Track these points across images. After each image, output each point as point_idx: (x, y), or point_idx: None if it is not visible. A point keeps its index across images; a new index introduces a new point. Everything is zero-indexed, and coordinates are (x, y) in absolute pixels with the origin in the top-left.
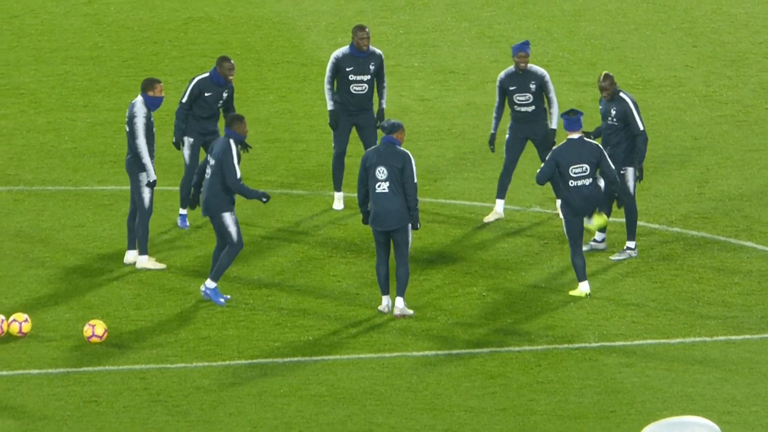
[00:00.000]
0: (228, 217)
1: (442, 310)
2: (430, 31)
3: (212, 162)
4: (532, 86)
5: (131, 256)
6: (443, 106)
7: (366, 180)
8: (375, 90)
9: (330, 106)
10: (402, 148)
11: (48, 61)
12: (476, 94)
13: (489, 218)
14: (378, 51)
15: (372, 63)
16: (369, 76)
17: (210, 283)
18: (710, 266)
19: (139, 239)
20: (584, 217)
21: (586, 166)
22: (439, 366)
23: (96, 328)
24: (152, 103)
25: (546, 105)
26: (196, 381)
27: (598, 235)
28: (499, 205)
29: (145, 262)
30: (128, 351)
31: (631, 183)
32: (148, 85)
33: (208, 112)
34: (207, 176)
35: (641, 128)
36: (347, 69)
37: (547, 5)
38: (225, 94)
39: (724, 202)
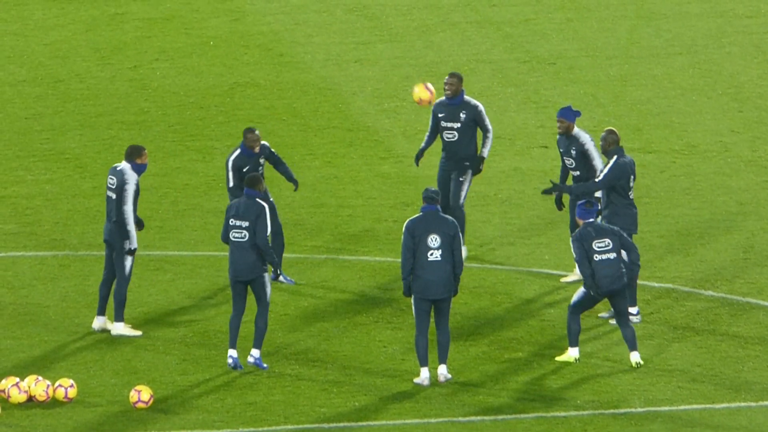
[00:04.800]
0: (267, 277)
1: (488, 376)
2: (476, 97)
3: (245, 224)
4: (573, 151)
5: (100, 322)
6: (489, 171)
7: (414, 249)
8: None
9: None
10: (448, 216)
11: (93, 126)
12: (522, 160)
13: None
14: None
15: (463, 111)
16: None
17: (256, 352)
18: (756, 331)
19: (116, 306)
20: (606, 297)
21: (608, 240)
22: (485, 431)
23: (142, 394)
24: (139, 170)
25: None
26: None
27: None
28: None
29: (121, 329)
30: (174, 416)
31: None
32: (135, 152)
33: None
34: (238, 241)
35: (598, 182)
36: (439, 115)
37: (593, 70)
38: (261, 160)
39: None
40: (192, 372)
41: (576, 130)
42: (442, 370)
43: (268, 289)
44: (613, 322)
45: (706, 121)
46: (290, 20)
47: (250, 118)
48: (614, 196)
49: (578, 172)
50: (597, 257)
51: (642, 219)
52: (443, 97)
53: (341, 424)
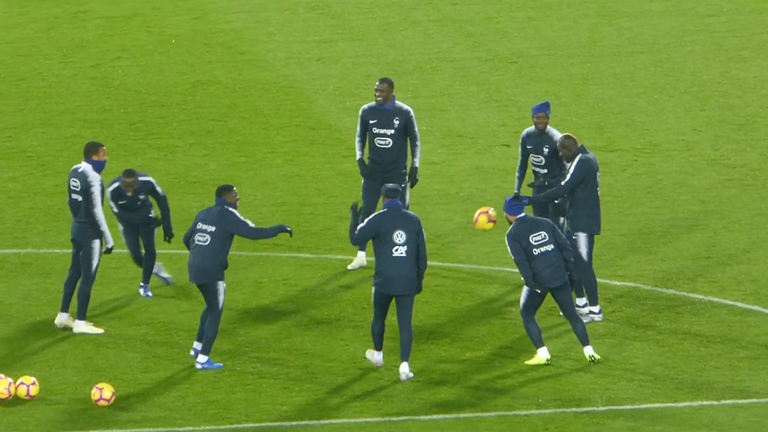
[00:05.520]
0: (221, 285)
1: (450, 374)
2: (438, 95)
3: (211, 229)
4: (546, 149)
5: (63, 318)
6: (451, 169)
7: (367, 237)
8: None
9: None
10: (413, 213)
11: (55, 124)
12: (484, 158)
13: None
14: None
15: (396, 118)
16: (393, 131)
17: (202, 358)
18: (717, 330)
19: (79, 304)
20: (549, 290)
21: (544, 233)
22: (446, 430)
23: (104, 392)
24: (99, 168)
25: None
26: None
27: (580, 301)
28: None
29: (82, 326)
30: (135, 414)
31: (584, 249)
32: (92, 149)
33: (133, 209)
34: (200, 245)
35: (565, 184)
36: (370, 122)
37: (554, 69)
38: (142, 196)
39: (731, 266)
40: (154, 370)
41: (548, 128)
42: (404, 369)
43: (221, 298)
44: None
45: (668, 119)
46: (251, 18)
47: (212, 116)
48: (579, 195)
49: (546, 170)
50: (536, 251)
51: (604, 218)
52: (373, 103)
53: (303, 422)
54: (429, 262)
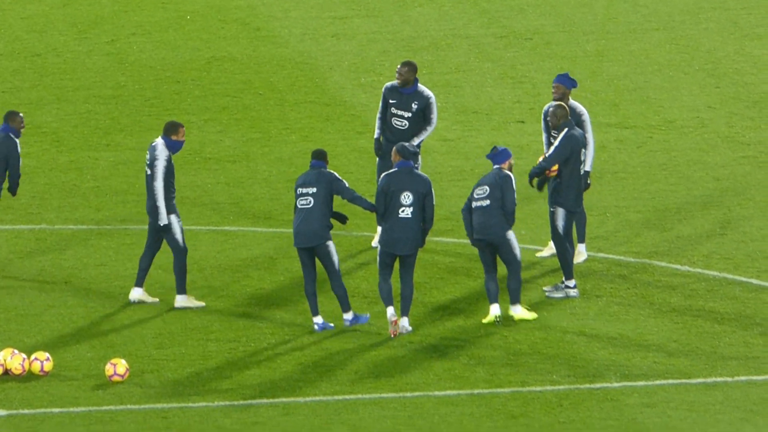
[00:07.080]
0: (331, 245)
1: (464, 350)
2: (453, 72)
3: (312, 191)
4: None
5: (137, 293)
6: (466, 146)
7: (384, 203)
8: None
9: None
10: (424, 174)
11: (70, 100)
12: (499, 135)
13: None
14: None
15: (415, 102)
16: (410, 114)
17: (348, 315)
18: (731, 307)
19: (177, 280)
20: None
21: (486, 187)
22: (460, 406)
23: (117, 367)
24: (174, 147)
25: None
26: (217, 420)
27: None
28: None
29: (184, 300)
30: (150, 390)
31: (560, 223)
32: (171, 128)
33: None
34: (304, 208)
35: (549, 157)
36: (390, 101)
37: (569, 46)
38: None
39: (746, 243)
40: (168, 346)
41: (572, 101)
42: (404, 323)
43: (335, 258)
44: (548, 292)
45: (682, 96)
46: None
47: (227, 93)
48: (562, 170)
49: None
50: (474, 204)
51: (619, 194)
52: (395, 82)
53: (317, 398)
54: (444, 239)
